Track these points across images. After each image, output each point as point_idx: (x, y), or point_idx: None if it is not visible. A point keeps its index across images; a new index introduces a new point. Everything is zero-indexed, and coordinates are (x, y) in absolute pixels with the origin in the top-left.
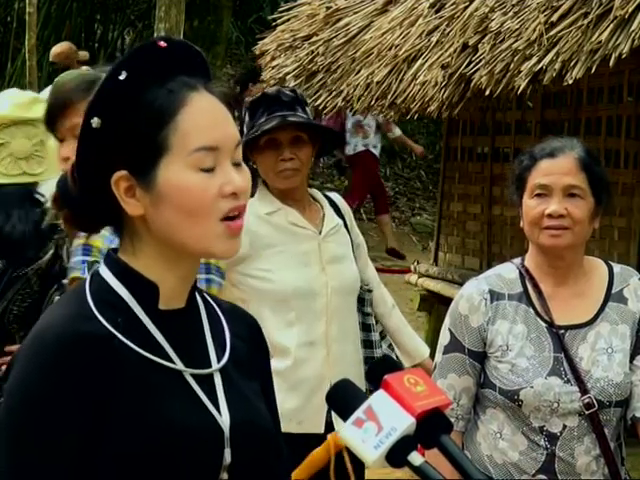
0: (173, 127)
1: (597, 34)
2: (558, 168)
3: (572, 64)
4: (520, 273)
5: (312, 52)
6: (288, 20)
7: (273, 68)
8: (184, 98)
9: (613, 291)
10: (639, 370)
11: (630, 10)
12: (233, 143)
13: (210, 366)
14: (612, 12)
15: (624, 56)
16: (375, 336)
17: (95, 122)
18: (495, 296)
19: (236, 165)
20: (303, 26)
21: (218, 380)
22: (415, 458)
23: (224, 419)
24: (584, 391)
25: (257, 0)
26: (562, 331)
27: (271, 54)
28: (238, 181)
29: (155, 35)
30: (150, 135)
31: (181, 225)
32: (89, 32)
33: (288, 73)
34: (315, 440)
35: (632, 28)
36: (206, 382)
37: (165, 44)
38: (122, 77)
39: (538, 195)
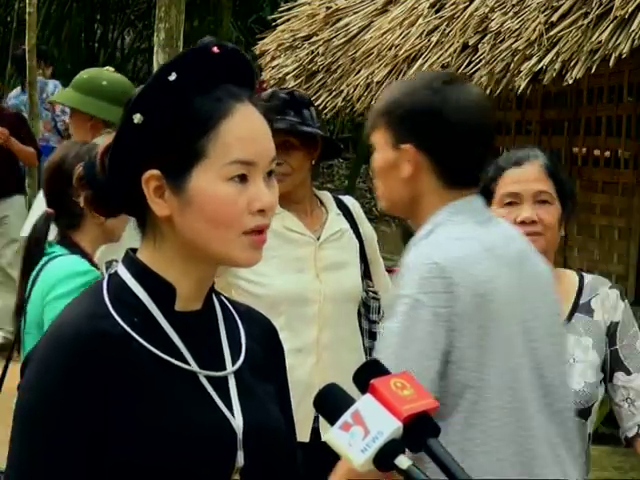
0: (214, 136)
1: (597, 34)
2: (526, 175)
3: (572, 64)
4: None
5: (312, 52)
6: (288, 20)
7: (273, 68)
8: (229, 108)
9: (581, 302)
10: (619, 390)
11: (630, 10)
12: (269, 158)
13: (225, 369)
14: (612, 12)
15: (624, 56)
16: None
17: (137, 118)
18: None
19: (268, 176)
20: (303, 26)
21: (232, 383)
22: (402, 461)
23: (237, 422)
24: None
25: (257, 0)
26: None
27: (271, 54)
28: (268, 199)
29: (155, 35)
30: (189, 140)
31: (206, 232)
32: (89, 32)
33: (288, 73)
34: (300, 448)
35: (632, 28)
36: (220, 385)
37: (218, 50)
38: (172, 78)
39: (508, 204)
